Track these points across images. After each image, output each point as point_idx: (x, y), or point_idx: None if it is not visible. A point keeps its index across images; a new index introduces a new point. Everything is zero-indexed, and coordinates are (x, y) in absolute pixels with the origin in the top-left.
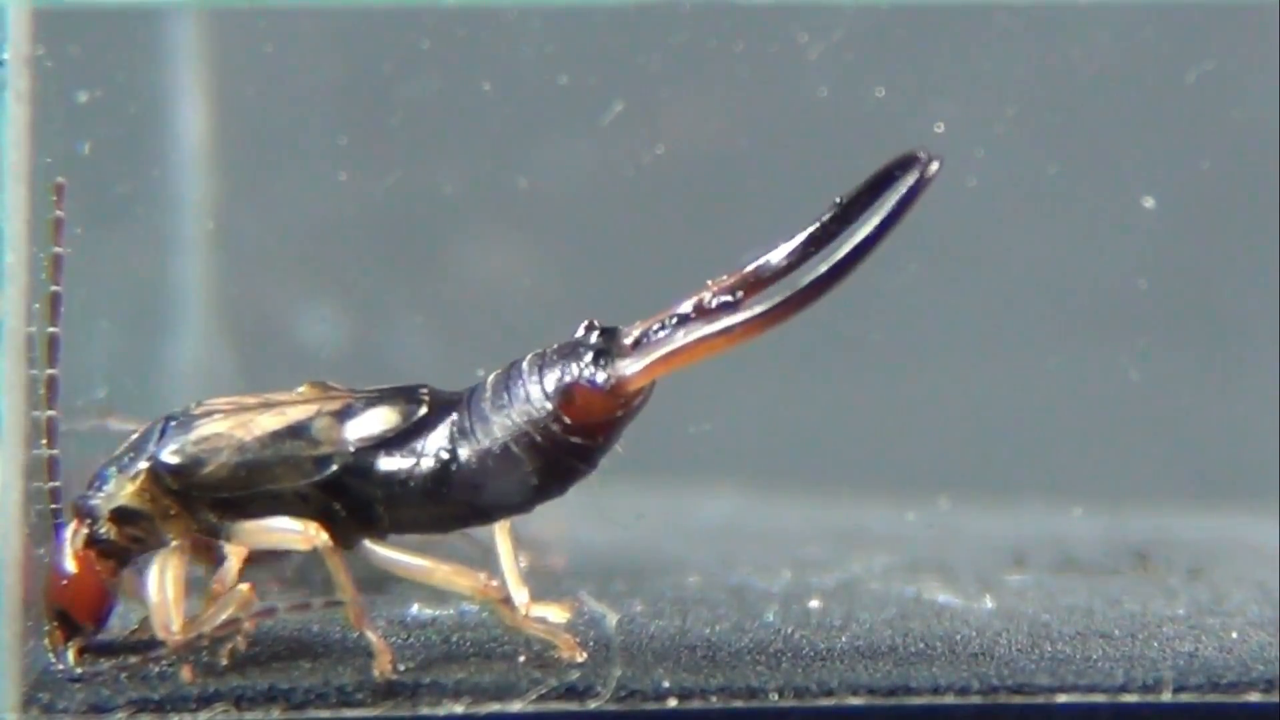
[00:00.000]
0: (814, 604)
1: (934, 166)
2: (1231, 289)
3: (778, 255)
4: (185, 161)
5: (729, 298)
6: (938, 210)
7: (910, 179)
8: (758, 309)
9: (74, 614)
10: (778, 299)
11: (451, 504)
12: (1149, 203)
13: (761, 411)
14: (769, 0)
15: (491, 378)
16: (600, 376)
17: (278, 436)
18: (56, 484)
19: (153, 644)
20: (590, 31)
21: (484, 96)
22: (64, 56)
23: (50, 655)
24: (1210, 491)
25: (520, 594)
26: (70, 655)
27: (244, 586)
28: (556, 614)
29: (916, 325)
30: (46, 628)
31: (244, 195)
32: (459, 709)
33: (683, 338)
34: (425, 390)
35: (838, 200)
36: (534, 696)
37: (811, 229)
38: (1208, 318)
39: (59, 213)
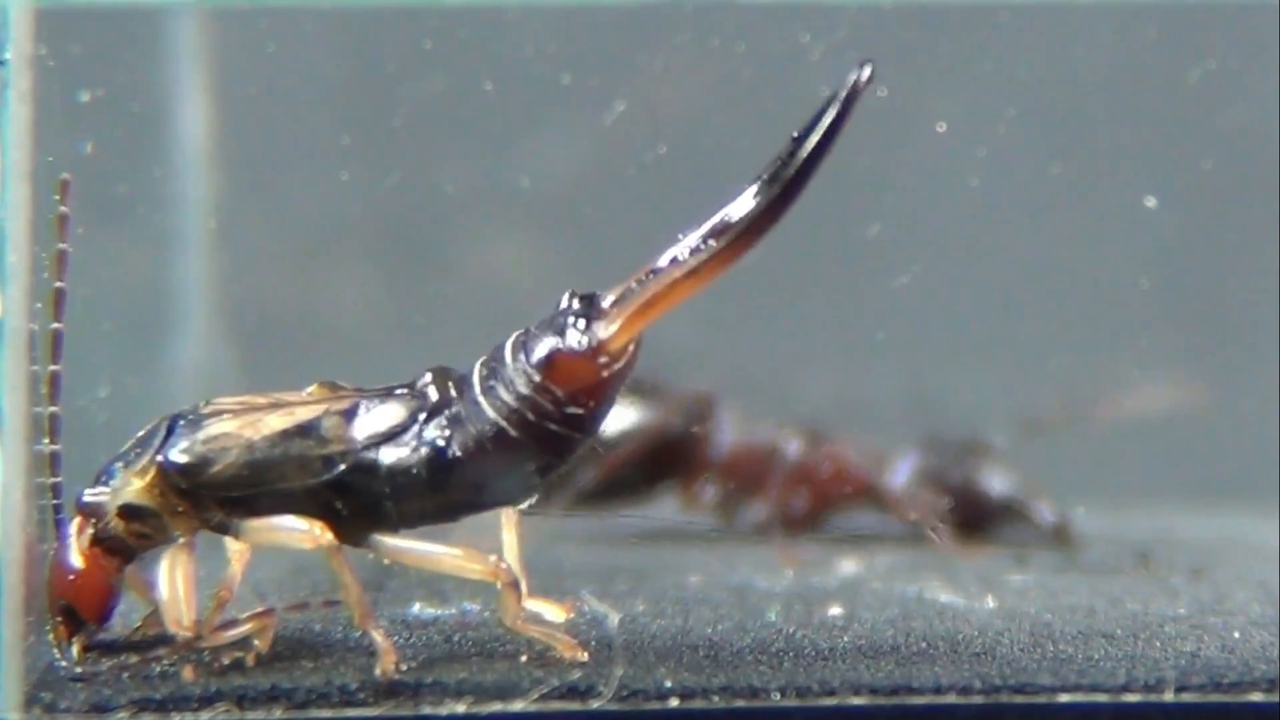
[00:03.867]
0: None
1: (866, 71)
2: (1233, 288)
3: (743, 198)
4: (187, 161)
5: (701, 245)
6: (940, 210)
7: (845, 90)
8: (721, 242)
9: (79, 610)
10: (738, 229)
11: (456, 492)
12: (1151, 202)
13: (762, 410)
14: (771, 0)
15: (478, 364)
16: (580, 341)
17: (285, 436)
18: (59, 479)
19: (156, 642)
20: (592, 31)
21: (486, 96)
22: (66, 56)
23: (54, 651)
24: (1212, 491)
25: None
26: (74, 651)
27: (269, 614)
28: (550, 611)
29: (919, 324)
30: (50, 623)
31: (246, 194)
32: (461, 708)
33: (654, 285)
34: (431, 385)
35: (794, 135)
36: (536, 696)
37: (772, 169)
38: (1209, 317)
39: (63, 209)
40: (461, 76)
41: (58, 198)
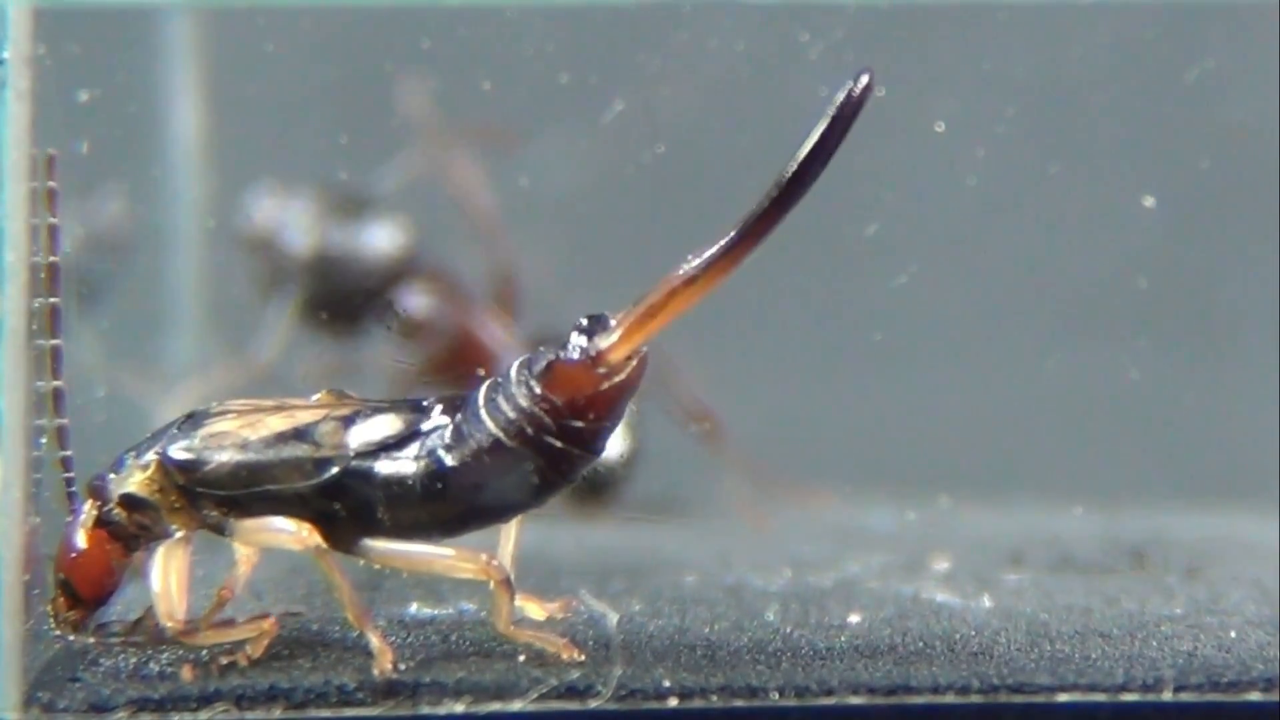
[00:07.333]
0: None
1: (864, 80)
2: (1231, 288)
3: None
4: (184, 160)
5: (698, 253)
6: (938, 209)
7: (841, 98)
8: (716, 248)
9: (77, 587)
10: (732, 235)
11: (454, 504)
12: (1149, 202)
13: (761, 410)
14: (771, 0)
15: (487, 382)
16: (577, 350)
17: (281, 438)
18: (67, 453)
19: (147, 630)
20: (591, 30)
21: (484, 95)
22: (64, 55)
23: (51, 621)
24: (1208, 490)
25: None
26: (66, 620)
27: (268, 621)
28: (532, 610)
29: (917, 324)
30: (51, 594)
31: (243, 194)
32: (459, 708)
33: (651, 295)
34: (434, 400)
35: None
36: (534, 696)
37: (775, 180)
38: (1207, 317)
39: (52, 184)
40: (460, 76)
41: (45, 173)
